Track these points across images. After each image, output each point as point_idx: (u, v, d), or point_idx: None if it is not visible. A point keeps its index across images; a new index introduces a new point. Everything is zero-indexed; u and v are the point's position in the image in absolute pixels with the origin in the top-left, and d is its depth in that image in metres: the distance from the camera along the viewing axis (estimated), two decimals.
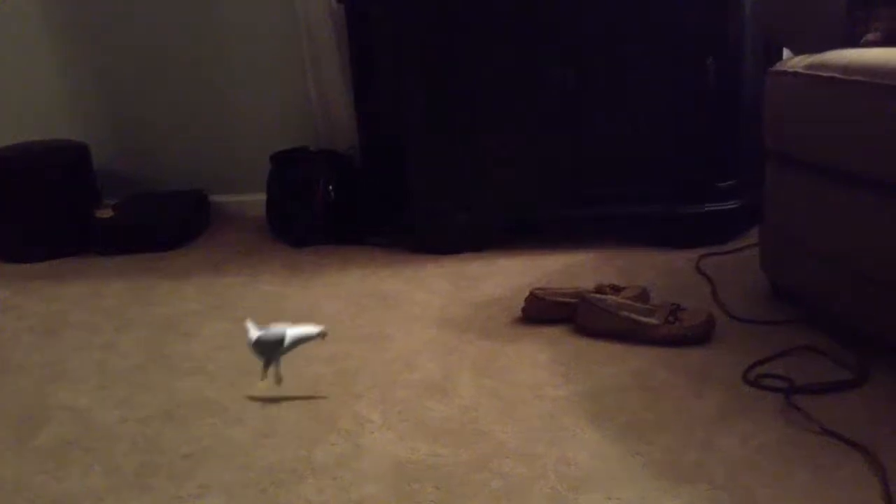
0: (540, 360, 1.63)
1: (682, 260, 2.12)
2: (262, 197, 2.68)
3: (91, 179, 2.78)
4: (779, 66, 1.67)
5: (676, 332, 1.64)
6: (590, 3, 2.12)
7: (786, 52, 2.09)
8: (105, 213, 2.66)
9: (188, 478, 1.32)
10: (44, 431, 1.50)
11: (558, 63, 2.17)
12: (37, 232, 2.61)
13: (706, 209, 2.21)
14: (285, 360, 1.56)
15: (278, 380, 1.57)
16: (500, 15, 2.17)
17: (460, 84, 2.22)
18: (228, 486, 1.29)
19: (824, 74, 1.49)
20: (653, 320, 1.66)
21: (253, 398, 1.58)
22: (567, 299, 1.78)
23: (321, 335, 1.57)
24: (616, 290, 1.79)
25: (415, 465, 1.30)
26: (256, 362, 1.71)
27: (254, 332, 1.56)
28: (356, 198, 2.61)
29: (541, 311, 1.81)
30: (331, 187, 2.54)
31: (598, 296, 1.73)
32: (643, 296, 1.80)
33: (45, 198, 2.61)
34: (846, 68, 1.45)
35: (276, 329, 1.56)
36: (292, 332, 1.56)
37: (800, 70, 1.57)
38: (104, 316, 2.05)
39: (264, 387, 1.57)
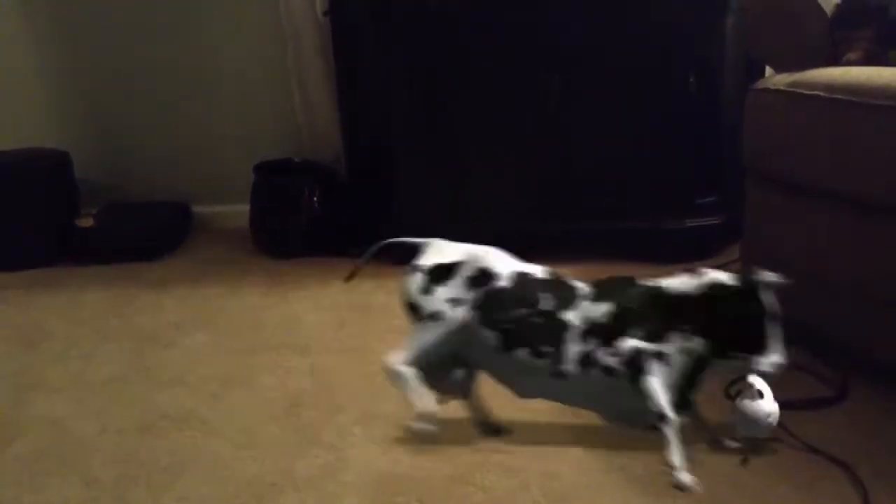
0: None
1: (663, 275, 2.12)
2: (245, 207, 2.67)
3: (72, 188, 2.75)
4: (760, 84, 1.70)
5: None
6: (573, 22, 2.14)
7: (768, 70, 2.12)
8: (85, 222, 2.63)
9: (166, 490, 1.30)
10: (20, 442, 1.48)
11: (543, 80, 2.18)
12: (15, 240, 2.57)
13: (687, 225, 2.23)
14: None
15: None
16: (485, 33, 2.19)
17: (446, 99, 2.23)
18: (207, 498, 1.28)
19: (806, 92, 1.51)
20: None
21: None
22: None
23: None
24: None
25: (397, 478, 1.29)
26: (237, 373, 1.70)
27: None
28: (340, 209, 2.60)
29: None
30: (315, 198, 2.53)
31: None
32: None
33: (24, 206, 2.58)
34: (828, 86, 1.47)
35: None
36: None
37: (782, 88, 1.59)
38: (83, 326, 2.03)
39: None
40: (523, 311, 1.22)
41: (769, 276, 1.16)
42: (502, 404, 1.50)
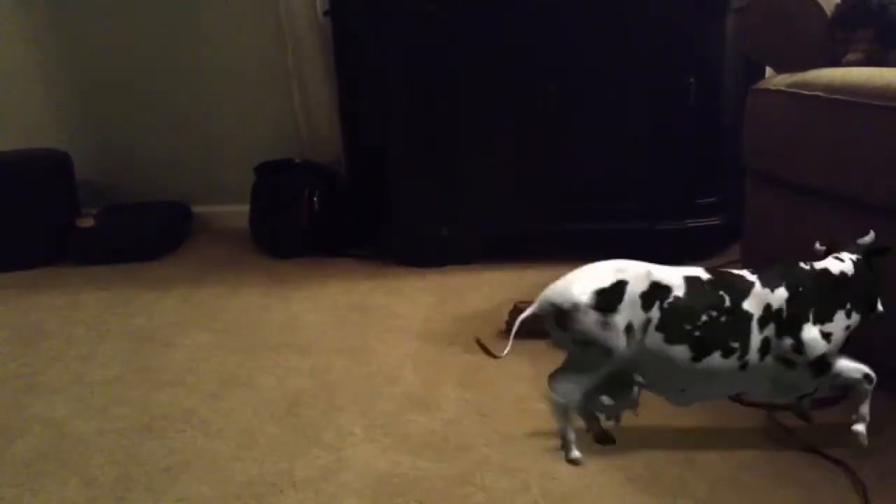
0: (523, 373, 1.63)
1: None
2: (245, 208, 2.67)
3: (72, 188, 2.75)
4: (760, 85, 1.70)
5: None
6: (573, 22, 2.14)
7: (768, 71, 2.12)
8: (86, 223, 2.63)
9: (166, 491, 1.30)
10: (19, 443, 1.47)
11: (542, 81, 2.18)
12: (15, 240, 2.57)
13: (687, 225, 2.23)
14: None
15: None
16: (484, 35, 2.19)
17: (445, 101, 2.23)
18: (207, 499, 1.27)
19: (806, 93, 1.51)
20: None
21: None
22: None
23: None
24: None
25: (397, 479, 1.29)
26: (237, 373, 1.70)
27: None
28: (340, 210, 2.60)
29: (524, 324, 1.80)
30: (315, 199, 2.53)
31: None
32: None
33: (24, 206, 2.58)
34: (828, 87, 1.47)
35: None
36: None
37: (782, 88, 1.59)
38: (82, 326, 2.03)
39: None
40: (710, 314, 1.16)
41: (874, 242, 1.24)
42: (503, 407, 1.50)
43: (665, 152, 2.20)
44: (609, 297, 1.15)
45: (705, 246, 2.24)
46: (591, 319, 1.14)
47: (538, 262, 2.30)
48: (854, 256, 1.23)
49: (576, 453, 1.25)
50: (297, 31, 2.63)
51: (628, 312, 1.15)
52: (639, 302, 1.16)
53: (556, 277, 2.18)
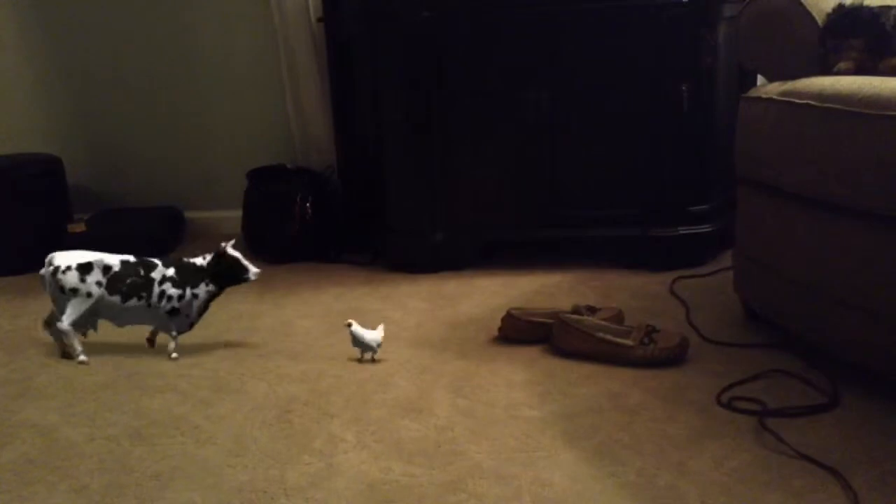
0: (516, 380, 1.63)
1: (656, 282, 2.14)
2: (238, 214, 2.66)
3: (64, 193, 2.74)
4: (753, 93, 1.70)
5: (651, 354, 1.65)
6: (566, 31, 2.15)
7: (760, 79, 2.13)
8: (77, 228, 2.62)
9: (156, 498, 1.29)
10: (8, 449, 1.46)
11: (535, 87, 2.19)
12: (7, 245, 2.56)
13: (680, 232, 2.24)
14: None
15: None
16: (478, 42, 2.19)
17: (438, 108, 2.23)
18: None
19: (798, 101, 1.52)
20: (628, 342, 1.67)
21: None
22: (543, 320, 1.78)
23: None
24: (592, 311, 1.80)
25: (389, 486, 1.28)
26: (228, 380, 1.69)
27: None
28: (333, 216, 2.60)
29: (517, 331, 1.81)
30: (308, 205, 2.53)
31: (574, 317, 1.73)
32: (618, 317, 1.81)
33: (15, 211, 2.57)
34: (819, 95, 1.47)
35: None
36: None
37: (774, 97, 1.60)
38: None
39: None
40: (132, 279, 1.83)
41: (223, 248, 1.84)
42: (495, 414, 1.50)
43: (658, 160, 2.21)
44: (84, 267, 1.80)
45: (697, 253, 2.25)
46: (74, 277, 1.79)
47: (531, 268, 2.31)
48: (210, 256, 1.85)
49: (84, 357, 1.83)
50: (290, 37, 2.63)
51: (93, 277, 1.79)
52: (98, 272, 1.80)
53: (549, 285, 2.19)
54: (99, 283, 1.79)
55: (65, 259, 1.81)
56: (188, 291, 1.82)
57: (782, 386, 1.54)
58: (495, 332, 1.84)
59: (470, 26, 2.19)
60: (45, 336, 1.90)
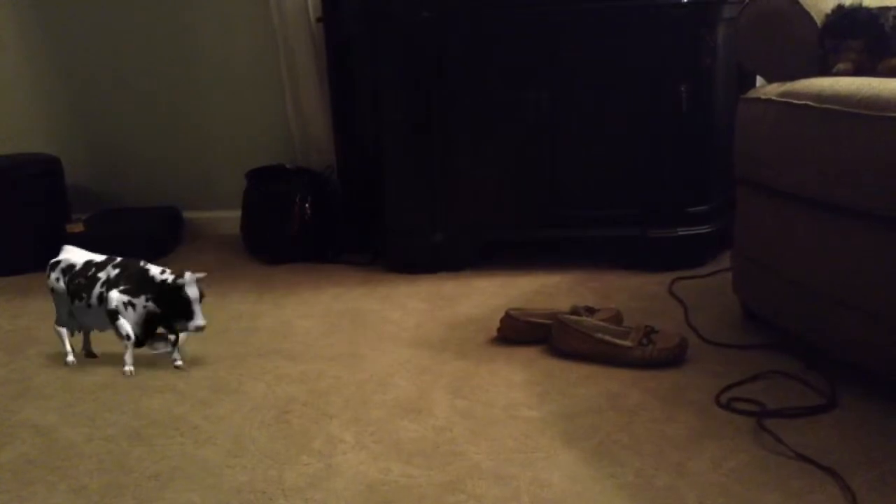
0: (514, 380, 1.63)
1: (655, 283, 2.14)
2: (237, 214, 2.66)
3: (62, 193, 2.74)
4: (751, 94, 1.71)
5: (650, 355, 1.65)
6: (565, 31, 2.15)
7: (759, 80, 2.13)
8: (76, 228, 2.62)
9: (155, 498, 1.29)
10: (7, 450, 1.46)
11: (535, 87, 2.19)
12: (5, 246, 2.56)
13: (679, 233, 2.24)
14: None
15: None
16: (477, 42, 2.19)
17: (438, 106, 2.23)
18: None
19: (797, 102, 1.52)
20: (626, 342, 1.67)
21: None
22: (542, 320, 1.78)
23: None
24: (591, 311, 1.80)
25: (388, 487, 1.28)
26: (226, 380, 1.69)
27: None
28: (332, 216, 2.60)
29: (516, 331, 1.81)
30: (307, 205, 2.53)
31: (572, 317, 1.73)
32: (617, 318, 1.81)
33: (14, 211, 2.57)
34: (818, 97, 1.47)
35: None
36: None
37: (773, 97, 1.60)
38: None
39: None
40: (81, 278, 1.80)
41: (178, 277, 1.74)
42: (494, 414, 1.50)
43: (657, 160, 2.21)
44: (53, 265, 1.81)
45: (696, 253, 2.25)
46: (49, 275, 1.81)
47: (530, 269, 2.31)
48: (169, 275, 1.74)
49: (71, 358, 1.82)
50: (290, 37, 2.63)
51: (55, 275, 1.80)
52: (59, 270, 1.80)
53: (547, 286, 2.19)
54: (57, 280, 1.79)
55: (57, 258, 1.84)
56: (123, 299, 1.73)
57: (781, 387, 1.54)
58: (494, 333, 1.84)
59: (470, 26, 2.19)
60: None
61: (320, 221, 2.55)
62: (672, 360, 1.65)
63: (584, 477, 1.28)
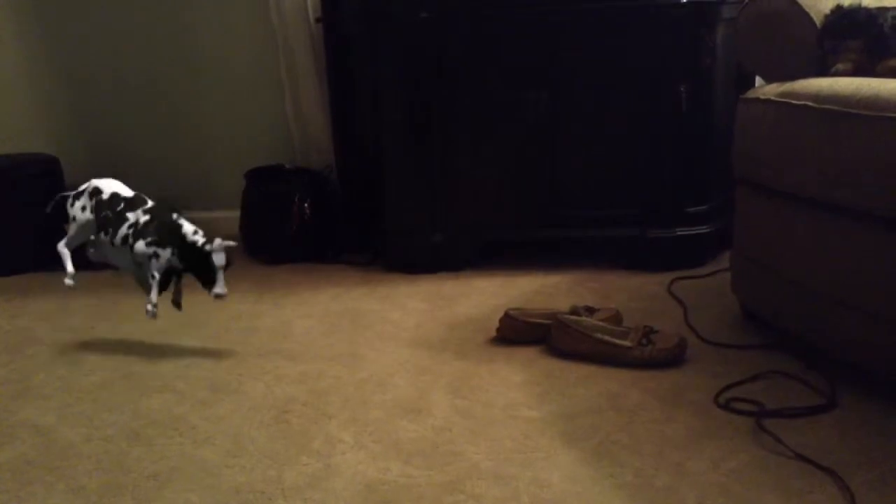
0: (514, 380, 1.63)
1: (654, 283, 2.14)
2: (235, 214, 2.66)
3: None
4: (751, 94, 1.71)
5: (649, 355, 1.65)
6: (565, 31, 2.15)
7: (758, 80, 2.13)
8: None
9: (154, 498, 1.29)
10: (6, 450, 1.46)
11: (535, 87, 2.19)
12: (4, 245, 2.56)
13: (678, 233, 2.24)
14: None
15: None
16: (476, 43, 2.19)
17: (438, 106, 2.23)
18: None
19: (796, 102, 1.52)
20: (626, 342, 1.67)
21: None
22: (541, 320, 1.78)
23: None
24: (590, 311, 1.80)
25: (387, 487, 1.28)
26: (226, 380, 1.69)
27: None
28: (332, 216, 2.60)
29: (515, 331, 1.81)
30: (306, 205, 2.53)
31: (572, 317, 1.73)
32: (616, 318, 1.81)
33: (13, 211, 2.56)
34: (816, 97, 1.47)
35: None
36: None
37: (772, 98, 1.60)
38: (70, 332, 2.02)
39: None
40: (108, 212, 1.82)
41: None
42: (494, 414, 1.50)
43: (656, 160, 2.21)
44: (78, 194, 1.86)
45: (696, 254, 2.25)
46: (71, 203, 1.85)
47: (530, 269, 2.30)
48: (201, 236, 1.73)
49: (70, 281, 1.85)
50: (289, 37, 2.63)
51: (80, 202, 1.83)
52: (85, 197, 1.83)
53: (547, 286, 2.19)
54: (83, 208, 1.80)
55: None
56: (150, 247, 1.72)
57: (780, 387, 1.54)
58: (494, 333, 1.84)
59: (470, 26, 2.19)
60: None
61: (320, 221, 2.55)
62: (671, 360, 1.65)
63: (584, 477, 1.28)
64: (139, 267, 1.76)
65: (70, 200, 1.84)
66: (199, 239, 1.71)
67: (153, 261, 1.73)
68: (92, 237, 1.86)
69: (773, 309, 1.71)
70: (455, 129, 2.25)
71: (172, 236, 1.72)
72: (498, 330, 1.83)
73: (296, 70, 2.66)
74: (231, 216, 2.70)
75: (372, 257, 2.48)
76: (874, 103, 1.35)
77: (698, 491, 1.23)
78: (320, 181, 2.63)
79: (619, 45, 2.14)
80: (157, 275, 1.74)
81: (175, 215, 1.76)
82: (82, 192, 1.83)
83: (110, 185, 1.84)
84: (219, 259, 1.69)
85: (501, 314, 1.83)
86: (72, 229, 1.84)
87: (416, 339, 1.87)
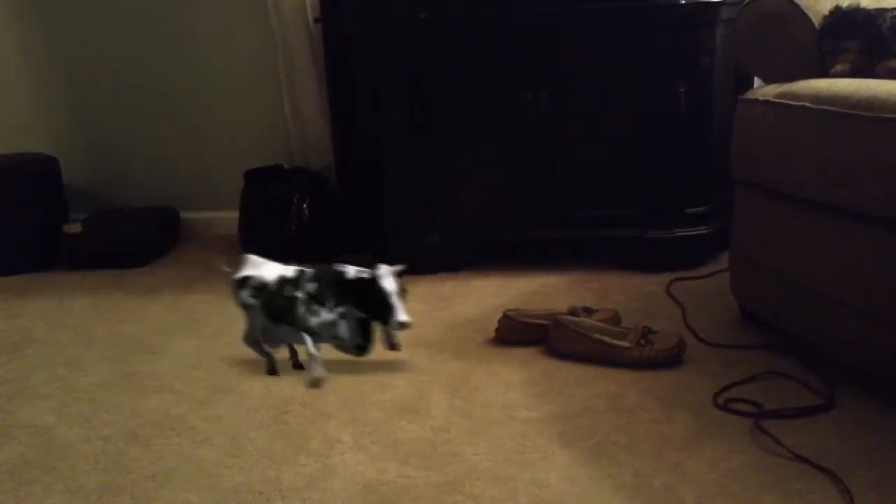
0: (512, 381, 1.63)
1: (653, 284, 2.14)
2: (234, 214, 2.66)
3: (60, 194, 2.74)
4: (749, 95, 1.70)
5: (648, 355, 1.65)
6: (564, 32, 2.15)
7: (757, 81, 2.13)
8: (73, 229, 2.62)
9: (152, 499, 1.29)
10: (4, 450, 1.46)
11: (534, 87, 2.19)
12: (3, 246, 2.56)
13: (676, 234, 2.24)
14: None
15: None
16: (476, 43, 2.19)
17: (438, 106, 2.23)
18: None
19: (793, 103, 1.52)
20: (624, 343, 1.66)
21: None
22: (540, 321, 1.78)
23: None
24: (588, 312, 1.80)
25: (385, 487, 1.28)
26: (224, 380, 1.68)
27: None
28: (331, 217, 2.60)
29: (514, 332, 1.80)
30: (305, 206, 2.53)
31: (570, 318, 1.73)
32: (615, 318, 1.81)
33: (12, 211, 2.57)
34: (815, 98, 1.47)
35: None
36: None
37: (770, 98, 1.60)
38: (69, 332, 2.02)
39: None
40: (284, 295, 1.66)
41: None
42: (492, 415, 1.50)
43: (655, 161, 2.21)
44: (242, 282, 1.68)
45: (695, 254, 2.25)
46: (242, 293, 1.67)
47: (529, 269, 2.30)
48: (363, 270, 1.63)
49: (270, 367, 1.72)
50: (288, 37, 2.63)
51: (246, 291, 1.67)
52: (255, 289, 1.67)
53: (546, 286, 2.19)
54: (252, 296, 1.66)
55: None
56: (331, 317, 1.62)
57: (779, 387, 1.54)
58: (492, 334, 1.84)
59: (469, 26, 2.19)
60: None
61: (319, 222, 2.55)
62: (670, 360, 1.65)
63: (582, 477, 1.28)
64: (334, 334, 1.65)
65: (234, 287, 1.69)
66: (364, 274, 1.62)
67: (342, 323, 1.63)
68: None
69: (773, 309, 1.71)
70: (455, 129, 2.25)
71: (344, 289, 1.62)
72: (497, 330, 1.83)
73: (295, 70, 2.66)
74: (230, 216, 2.71)
75: (371, 257, 2.48)
76: (873, 104, 1.35)
77: (697, 491, 1.23)
78: (319, 181, 2.63)
79: (618, 46, 2.14)
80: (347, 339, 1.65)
81: (336, 266, 1.66)
82: (246, 280, 1.68)
83: (270, 270, 1.69)
84: (388, 284, 1.59)
85: (500, 315, 1.83)
86: (248, 320, 1.70)
87: (415, 339, 1.86)
